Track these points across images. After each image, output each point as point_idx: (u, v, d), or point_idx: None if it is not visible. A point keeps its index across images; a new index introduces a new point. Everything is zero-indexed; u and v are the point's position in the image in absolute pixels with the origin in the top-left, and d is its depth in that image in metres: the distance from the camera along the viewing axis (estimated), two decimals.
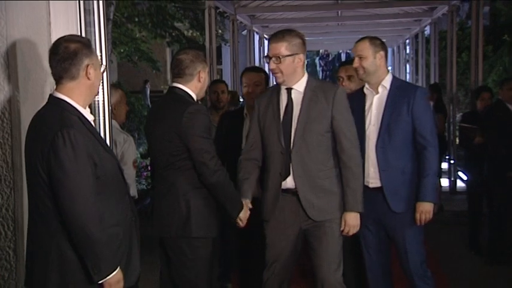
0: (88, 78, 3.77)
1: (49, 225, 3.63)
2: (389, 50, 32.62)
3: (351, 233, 4.95)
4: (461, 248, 8.81)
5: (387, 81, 5.34)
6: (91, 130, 3.77)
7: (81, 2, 4.48)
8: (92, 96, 3.94)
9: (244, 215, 4.97)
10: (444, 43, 16.99)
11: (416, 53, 20.68)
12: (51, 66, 3.78)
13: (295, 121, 4.88)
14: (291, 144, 4.88)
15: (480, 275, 7.63)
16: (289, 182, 4.93)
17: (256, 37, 19.06)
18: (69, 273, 3.65)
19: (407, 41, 23.80)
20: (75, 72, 3.72)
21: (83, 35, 4.38)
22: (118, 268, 3.70)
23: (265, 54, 5.01)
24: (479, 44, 11.36)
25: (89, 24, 4.53)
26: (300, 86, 4.94)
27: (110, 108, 4.59)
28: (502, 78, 13.20)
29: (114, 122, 5.46)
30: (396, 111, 5.23)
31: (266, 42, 21.13)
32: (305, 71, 5.00)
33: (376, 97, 5.37)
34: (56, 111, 3.69)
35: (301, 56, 4.89)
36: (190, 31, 22.83)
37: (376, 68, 5.29)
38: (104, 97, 4.44)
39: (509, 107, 7.83)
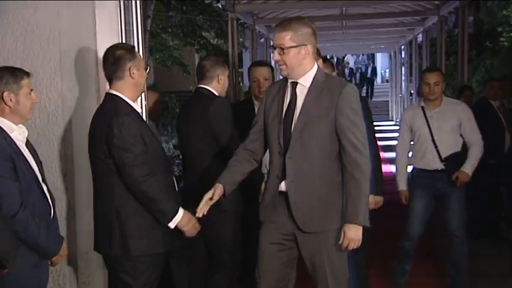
0: (132, 78, 3.92)
1: (111, 198, 3.81)
2: (387, 55, 32.75)
3: (350, 247, 3.83)
4: None
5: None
6: (139, 118, 3.96)
7: (123, 15, 4.48)
8: (138, 92, 4.06)
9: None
10: (434, 48, 16.93)
11: (411, 57, 20.73)
12: (104, 69, 3.97)
13: (295, 121, 3.86)
14: (288, 146, 3.87)
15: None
16: (283, 185, 3.91)
17: (271, 43, 19.01)
18: (129, 233, 3.80)
19: (402, 46, 23.72)
20: (120, 74, 3.89)
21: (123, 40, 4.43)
22: (181, 210, 3.89)
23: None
24: (464, 49, 11.32)
25: (129, 34, 4.54)
26: (306, 81, 3.86)
27: (146, 104, 4.64)
28: (485, 78, 13.15)
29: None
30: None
31: None
32: (315, 63, 3.91)
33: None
34: (111, 104, 3.89)
35: (309, 48, 3.79)
36: (216, 39, 22.79)
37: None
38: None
39: (491, 103, 7.92)
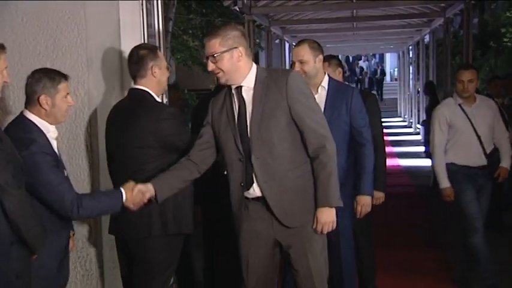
0: (154, 76, 3.95)
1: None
2: (395, 55, 32.65)
3: (325, 231, 3.60)
4: (455, 216, 8.63)
5: (325, 82, 4.53)
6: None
7: (145, 18, 4.51)
8: (160, 89, 4.08)
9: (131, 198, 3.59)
10: (440, 49, 16.87)
11: (418, 57, 20.57)
12: (128, 68, 4.02)
13: (250, 121, 3.58)
14: (250, 148, 3.57)
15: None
16: (256, 190, 3.59)
17: (287, 45, 19.01)
18: (167, 214, 3.82)
19: (410, 47, 23.57)
20: (143, 72, 3.93)
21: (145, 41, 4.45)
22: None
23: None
24: (469, 49, 11.23)
25: (151, 35, 4.57)
26: (249, 82, 3.58)
27: (167, 100, 4.69)
28: (489, 77, 13.10)
29: None
30: (336, 111, 4.46)
31: None
32: (252, 63, 3.62)
33: (315, 97, 4.59)
34: (140, 98, 3.92)
35: (241, 49, 3.50)
36: None
37: (316, 71, 4.44)
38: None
39: (495, 100, 7.77)
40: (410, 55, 24.19)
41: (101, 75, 4.31)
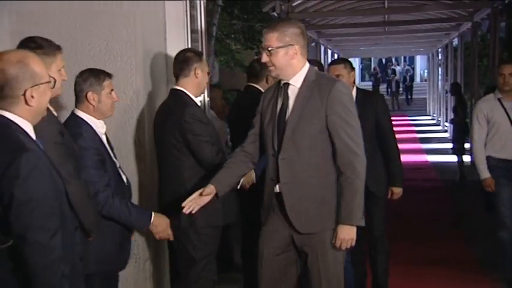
0: (196, 77, 4.00)
1: (179, 177, 3.89)
2: (425, 57, 32.19)
3: (343, 247, 3.35)
4: (480, 210, 8.53)
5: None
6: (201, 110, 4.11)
7: (189, 23, 4.55)
8: (200, 89, 4.14)
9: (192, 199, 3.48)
10: (468, 51, 16.63)
11: (447, 59, 20.32)
12: (173, 67, 4.07)
13: (287, 121, 3.39)
14: (281, 147, 3.40)
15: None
16: (278, 188, 3.42)
17: (322, 48, 18.95)
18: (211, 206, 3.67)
19: (439, 49, 23.29)
20: (187, 72, 3.98)
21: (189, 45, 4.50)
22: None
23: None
24: (496, 52, 11.16)
25: (195, 40, 4.62)
26: (296, 81, 3.39)
27: (208, 99, 4.71)
28: None
29: (212, 111, 5.57)
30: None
31: (329, 52, 21.05)
32: (306, 62, 3.42)
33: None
34: (177, 97, 3.99)
35: (297, 48, 3.31)
36: None
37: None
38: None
39: None
40: (439, 57, 23.92)
41: (148, 76, 4.36)
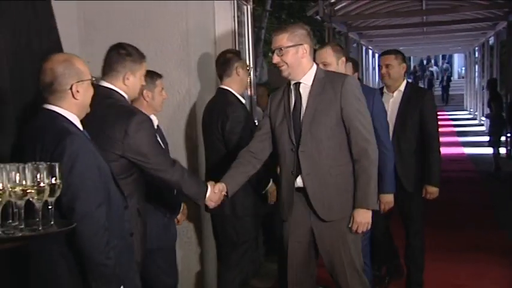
0: (238, 75, 4.04)
1: (223, 169, 3.67)
2: (462, 55, 31.59)
3: (359, 231, 3.31)
4: None
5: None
6: (243, 107, 4.11)
7: (236, 27, 4.58)
8: (243, 86, 4.18)
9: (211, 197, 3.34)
10: (504, 50, 16.26)
11: (483, 57, 19.91)
12: (216, 68, 4.13)
13: (303, 115, 3.33)
14: (300, 140, 3.33)
15: None
16: (299, 181, 3.34)
17: (364, 48, 18.81)
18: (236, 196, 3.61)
19: (476, 48, 22.81)
20: (229, 72, 4.02)
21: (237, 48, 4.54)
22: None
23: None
24: None
25: (242, 43, 4.65)
26: (307, 79, 3.34)
27: (255, 96, 4.72)
28: None
29: (258, 108, 5.60)
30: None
31: (370, 52, 20.86)
32: (313, 63, 3.39)
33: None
34: (222, 96, 4.03)
35: (306, 47, 3.28)
36: (317, 45, 22.67)
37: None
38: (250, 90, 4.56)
39: None
40: (476, 55, 23.43)
41: (199, 77, 4.40)
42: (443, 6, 13.71)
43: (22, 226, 1.99)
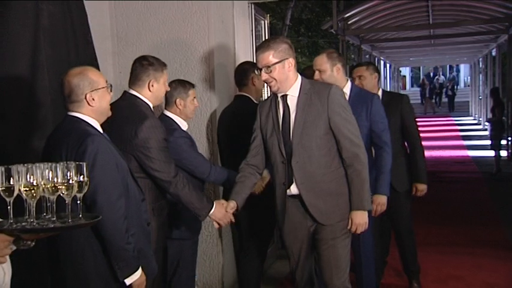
0: (254, 84, 4.06)
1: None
2: (468, 65, 31.16)
3: (358, 231, 3.21)
4: None
5: (347, 88, 3.84)
6: None
7: (254, 42, 4.59)
8: (258, 93, 4.18)
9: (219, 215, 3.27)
10: (506, 60, 16.05)
11: (486, 67, 19.68)
12: (234, 78, 4.15)
13: (292, 128, 3.17)
14: (291, 153, 3.17)
15: None
16: (293, 189, 3.20)
17: (376, 59, 18.70)
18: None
19: (480, 59, 22.54)
20: (246, 81, 4.04)
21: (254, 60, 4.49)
22: None
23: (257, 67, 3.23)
24: None
25: None
26: (294, 91, 3.17)
27: None
28: None
29: None
30: (356, 115, 3.41)
31: (382, 62, 20.71)
32: (298, 74, 3.23)
33: None
34: (238, 102, 4.07)
35: (291, 60, 3.13)
36: (351, 62, 22.62)
37: (334, 79, 3.68)
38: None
39: None
40: (480, 65, 23.15)
41: (221, 86, 4.43)
42: (449, 21, 13.62)
43: (54, 218, 2.02)
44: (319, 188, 3.16)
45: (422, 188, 4.39)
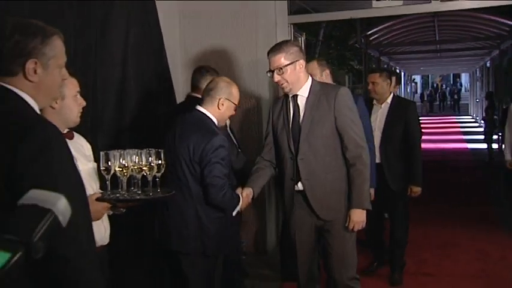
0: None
1: None
2: (467, 74, 30.10)
3: (356, 229, 2.73)
4: (501, 182, 7.90)
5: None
6: None
7: None
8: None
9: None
10: (497, 71, 15.54)
11: (482, 75, 19.06)
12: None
13: (302, 126, 2.73)
14: (298, 149, 2.73)
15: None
16: (299, 185, 2.75)
17: (392, 68, 18.29)
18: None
19: (477, 69, 21.78)
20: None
21: None
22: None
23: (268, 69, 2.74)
24: None
25: None
26: (304, 92, 2.73)
27: None
28: None
29: None
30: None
31: (397, 71, 20.22)
32: (308, 76, 2.79)
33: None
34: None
35: (302, 62, 2.69)
36: (358, 66, 22.20)
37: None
38: None
39: None
40: (478, 74, 22.38)
41: (266, 88, 4.37)
42: (452, 37, 13.39)
43: (139, 192, 2.10)
44: (322, 185, 2.73)
45: (417, 190, 3.86)
